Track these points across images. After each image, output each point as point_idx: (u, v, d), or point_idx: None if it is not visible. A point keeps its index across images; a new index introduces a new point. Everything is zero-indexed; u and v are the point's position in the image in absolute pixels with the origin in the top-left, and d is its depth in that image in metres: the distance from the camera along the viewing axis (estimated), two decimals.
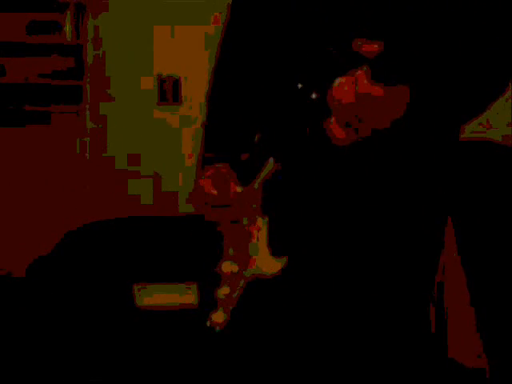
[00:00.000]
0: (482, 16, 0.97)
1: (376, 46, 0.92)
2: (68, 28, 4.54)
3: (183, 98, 4.83)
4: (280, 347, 1.17)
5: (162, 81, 4.80)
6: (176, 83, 4.81)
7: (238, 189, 1.16)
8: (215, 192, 1.18)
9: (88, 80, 4.57)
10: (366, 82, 0.92)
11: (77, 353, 2.78)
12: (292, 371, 1.16)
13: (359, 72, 0.92)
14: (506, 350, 2.16)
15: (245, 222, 1.13)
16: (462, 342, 2.23)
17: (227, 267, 1.14)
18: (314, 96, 0.98)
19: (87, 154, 4.69)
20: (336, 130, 0.95)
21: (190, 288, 2.83)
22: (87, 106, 4.62)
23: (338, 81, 0.94)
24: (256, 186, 1.12)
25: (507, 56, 1.01)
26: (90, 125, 4.68)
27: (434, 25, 0.97)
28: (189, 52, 4.75)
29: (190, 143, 4.67)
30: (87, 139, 4.69)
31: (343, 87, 0.93)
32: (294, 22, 1.15)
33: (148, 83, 4.77)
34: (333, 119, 0.95)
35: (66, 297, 3.14)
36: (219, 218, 1.17)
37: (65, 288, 3.21)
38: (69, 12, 4.52)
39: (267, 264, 1.10)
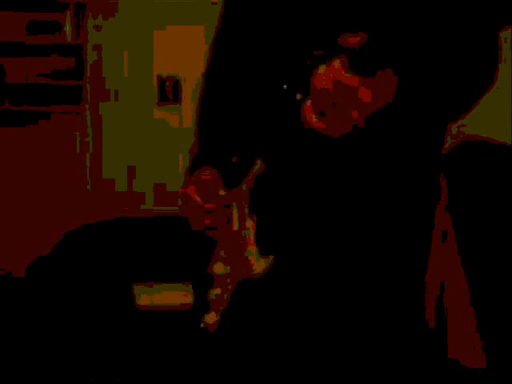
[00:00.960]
0: (465, 11, 0.97)
1: (358, 37, 0.93)
2: (68, 28, 4.54)
3: (183, 98, 4.84)
4: (273, 346, 1.17)
5: (162, 81, 4.80)
6: (176, 83, 4.82)
7: (221, 192, 1.16)
8: (199, 199, 1.18)
9: (88, 80, 4.58)
10: (340, 69, 0.92)
11: (77, 353, 2.77)
12: (286, 371, 1.16)
13: (335, 60, 0.93)
14: (506, 349, 2.16)
15: (235, 223, 1.13)
16: (461, 341, 2.23)
17: (219, 268, 1.14)
18: (298, 97, 0.99)
19: (88, 154, 4.70)
20: (308, 114, 0.96)
21: (189, 288, 2.83)
22: (87, 106, 4.62)
23: (319, 69, 0.95)
24: (244, 187, 1.12)
25: (491, 51, 1.02)
26: (89, 125, 4.68)
27: (418, 17, 0.97)
28: (189, 52, 4.75)
29: (189, 143, 4.67)
30: (87, 139, 4.70)
31: (321, 75, 0.94)
32: (280, 23, 1.15)
33: (148, 83, 4.78)
34: (307, 103, 0.96)
35: (66, 297, 3.14)
36: (206, 225, 1.17)
37: (65, 288, 3.21)
38: (69, 12, 4.52)
39: (254, 264, 1.10)
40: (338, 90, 0.92)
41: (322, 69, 0.94)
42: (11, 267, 4.26)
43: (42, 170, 4.61)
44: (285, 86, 1.04)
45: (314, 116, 0.95)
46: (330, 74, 0.92)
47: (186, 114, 4.79)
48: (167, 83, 4.81)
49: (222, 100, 1.32)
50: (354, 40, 0.93)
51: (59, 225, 4.23)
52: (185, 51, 4.77)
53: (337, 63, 0.92)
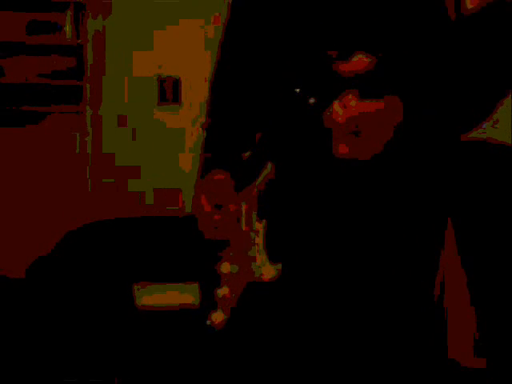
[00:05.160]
0: (478, 23, 0.97)
1: (356, 61, 0.95)
2: (68, 28, 4.54)
3: (183, 98, 4.83)
4: (279, 348, 1.17)
5: (161, 81, 4.80)
6: (176, 83, 4.82)
7: (233, 207, 1.16)
8: (210, 209, 1.18)
9: (88, 80, 4.58)
10: (355, 103, 0.95)
11: (77, 353, 2.78)
12: (291, 372, 1.16)
13: (348, 96, 0.95)
14: (506, 349, 2.16)
15: (242, 225, 1.12)
16: (461, 341, 2.23)
17: (226, 268, 1.14)
18: (311, 101, 0.99)
19: (88, 154, 4.70)
20: (340, 147, 0.97)
21: (190, 288, 2.83)
22: (87, 106, 4.62)
23: (334, 106, 0.97)
24: (254, 189, 1.11)
25: (506, 63, 1.01)
26: (89, 125, 4.68)
27: (429, 34, 0.98)
28: (189, 52, 4.75)
29: (189, 143, 4.67)
30: (87, 139, 4.70)
31: (337, 112, 0.97)
32: (294, 26, 1.15)
33: (148, 83, 4.77)
34: (334, 138, 0.98)
35: (66, 297, 3.14)
36: (217, 231, 1.17)
37: (65, 288, 3.21)
38: (69, 12, 4.52)
39: (264, 269, 1.10)
40: (360, 121, 0.95)
41: (336, 106, 0.96)
42: (11, 267, 4.26)
43: (41, 170, 4.61)
44: (297, 90, 1.04)
45: (345, 147, 0.97)
46: (345, 110, 0.95)
47: (185, 114, 4.79)
48: (167, 83, 4.81)
49: (233, 99, 1.31)
50: (346, 67, 0.94)
51: (59, 225, 4.22)
52: (185, 51, 4.77)
53: (348, 99, 0.95)
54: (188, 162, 4.61)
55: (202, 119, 1.34)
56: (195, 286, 1.33)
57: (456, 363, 2.18)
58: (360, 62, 0.95)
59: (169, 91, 4.81)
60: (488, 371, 2.20)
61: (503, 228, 2.16)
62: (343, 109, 0.96)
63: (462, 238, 2.11)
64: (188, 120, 4.73)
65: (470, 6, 0.94)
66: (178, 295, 2.98)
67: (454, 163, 1.17)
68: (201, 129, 1.32)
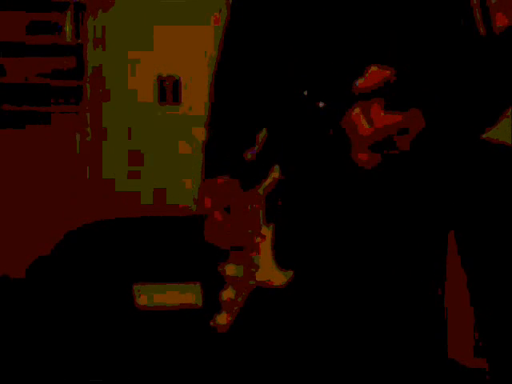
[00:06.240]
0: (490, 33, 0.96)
1: (371, 76, 0.93)
2: (68, 28, 4.54)
3: (183, 98, 4.84)
4: (284, 352, 1.16)
5: (161, 81, 4.80)
6: (176, 83, 4.82)
7: (244, 209, 1.14)
8: (217, 213, 1.17)
9: (88, 80, 4.58)
10: (381, 114, 0.93)
11: (77, 353, 2.78)
12: (295, 375, 1.16)
13: (373, 105, 0.94)
14: (506, 349, 2.16)
15: (249, 226, 1.11)
16: (461, 341, 2.23)
17: (231, 270, 1.12)
18: (321, 105, 0.98)
19: (88, 154, 4.70)
20: (361, 156, 0.97)
21: (191, 288, 2.83)
22: (87, 106, 4.62)
23: (353, 112, 0.95)
24: (260, 191, 1.10)
25: None
26: (89, 125, 4.68)
27: (457, 47, 0.97)
28: (189, 52, 4.75)
29: (189, 143, 4.67)
30: (88, 139, 4.70)
31: (359, 120, 0.95)
32: (300, 27, 1.13)
33: (148, 83, 4.78)
34: (354, 148, 0.96)
35: (66, 297, 3.14)
36: (222, 235, 1.16)
37: (65, 288, 3.21)
38: (69, 12, 4.52)
39: (272, 275, 1.08)
40: (384, 133, 0.94)
41: (361, 116, 0.94)
42: (10, 268, 4.26)
43: (42, 171, 4.61)
44: (305, 93, 1.03)
45: (367, 155, 0.96)
46: (370, 121, 0.94)
47: (185, 114, 4.79)
48: (167, 83, 4.81)
49: (234, 98, 1.29)
50: (362, 84, 0.93)
51: (59, 225, 4.23)
52: (185, 51, 4.77)
53: (374, 108, 0.93)
54: (189, 162, 4.61)
55: (204, 119, 1.33)
56: (196, 286, 1.33)
57: (456, 363, 2.18)
58: (376, 75, 0.93)
59: (169, 91, 4.82)
60: (488, 371, 2.20)
61: (503, 228, 2.16)
62: (368, 121, 0.94)
63: (462, 237, 2.11)
64: (188, 120, 4.73)
65: (499, 25, 0.92)
66: (179, 295, 2.98)
67: (465, 167, 1.17)
68: (204, 129, 1.31)
